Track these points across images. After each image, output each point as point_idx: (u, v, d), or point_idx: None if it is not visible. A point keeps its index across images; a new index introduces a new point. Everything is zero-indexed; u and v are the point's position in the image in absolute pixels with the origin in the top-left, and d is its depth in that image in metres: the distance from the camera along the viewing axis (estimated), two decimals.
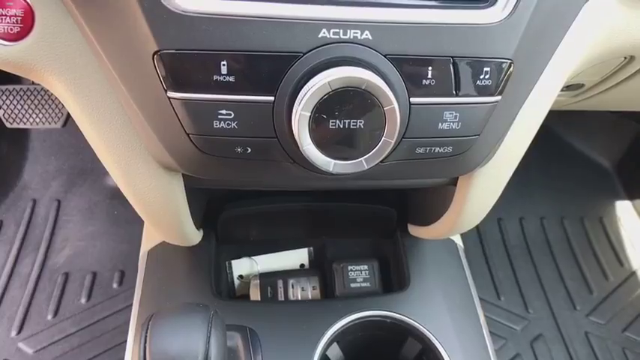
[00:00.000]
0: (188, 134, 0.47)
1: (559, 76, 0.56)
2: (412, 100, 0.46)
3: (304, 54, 0.43)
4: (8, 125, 1.40)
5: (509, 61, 0.47)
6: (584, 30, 0.53)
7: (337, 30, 0.43)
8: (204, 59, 0.43)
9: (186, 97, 0.44)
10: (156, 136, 0.50)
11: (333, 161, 0.45)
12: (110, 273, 1.31)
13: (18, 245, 1.37)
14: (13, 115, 1.40)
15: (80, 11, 0.46)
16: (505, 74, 0.47)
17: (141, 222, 0.76)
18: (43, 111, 1.40)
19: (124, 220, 1.41)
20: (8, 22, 0.52)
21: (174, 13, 0.42)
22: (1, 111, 1.40)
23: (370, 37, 0.44)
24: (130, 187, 0.57)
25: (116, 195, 1.45)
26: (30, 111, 1.41)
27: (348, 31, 0.43)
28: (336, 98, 0.43)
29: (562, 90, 0.68)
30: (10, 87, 1.39)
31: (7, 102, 1.40)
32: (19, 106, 1.41)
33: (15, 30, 0.52)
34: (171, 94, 0.45)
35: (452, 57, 0.45)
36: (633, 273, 1.47)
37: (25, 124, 1.40)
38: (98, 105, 0.51)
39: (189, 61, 0.43)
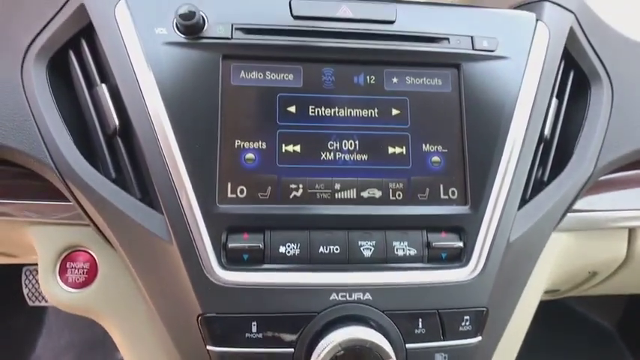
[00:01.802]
0: None
1: (530, 307, 0.66)
2: (408, 346, 0.56)
3: (319, 313, 0.54)
4: (30, 303, 1.49)
5: (485, 309, 0.58)
6: (544, 269, 0.65)
7: (344, 293, 0.55)
8: (239, 321, 0.54)
9: (223, 351, 0.54)
10: None
11: None
12: None
13: None
14: (37, 294, 1.50)
15: (140, 279, 0.57)
16: (482, 319, 0.58)
17: None
18: None
19: None
20: (76, 273, 0.64)
21: (216, 285, 0.54)
22: (27, 289, 1.50)
23: (371, 298, 0.55)
24: None
25: None
26: None
27: (353, 293, 0.55)
28: (346, 353, 0.52)
29: None
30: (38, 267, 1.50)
31: (33, 281, 1.50)
32: None
33: (81, 279, 0.64)
34: (210, 347, 0.55)
35: (437, 310, 0.56)
36: None
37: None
38: (143, 347, 0.61)
39: (227, 322, 0.54)
